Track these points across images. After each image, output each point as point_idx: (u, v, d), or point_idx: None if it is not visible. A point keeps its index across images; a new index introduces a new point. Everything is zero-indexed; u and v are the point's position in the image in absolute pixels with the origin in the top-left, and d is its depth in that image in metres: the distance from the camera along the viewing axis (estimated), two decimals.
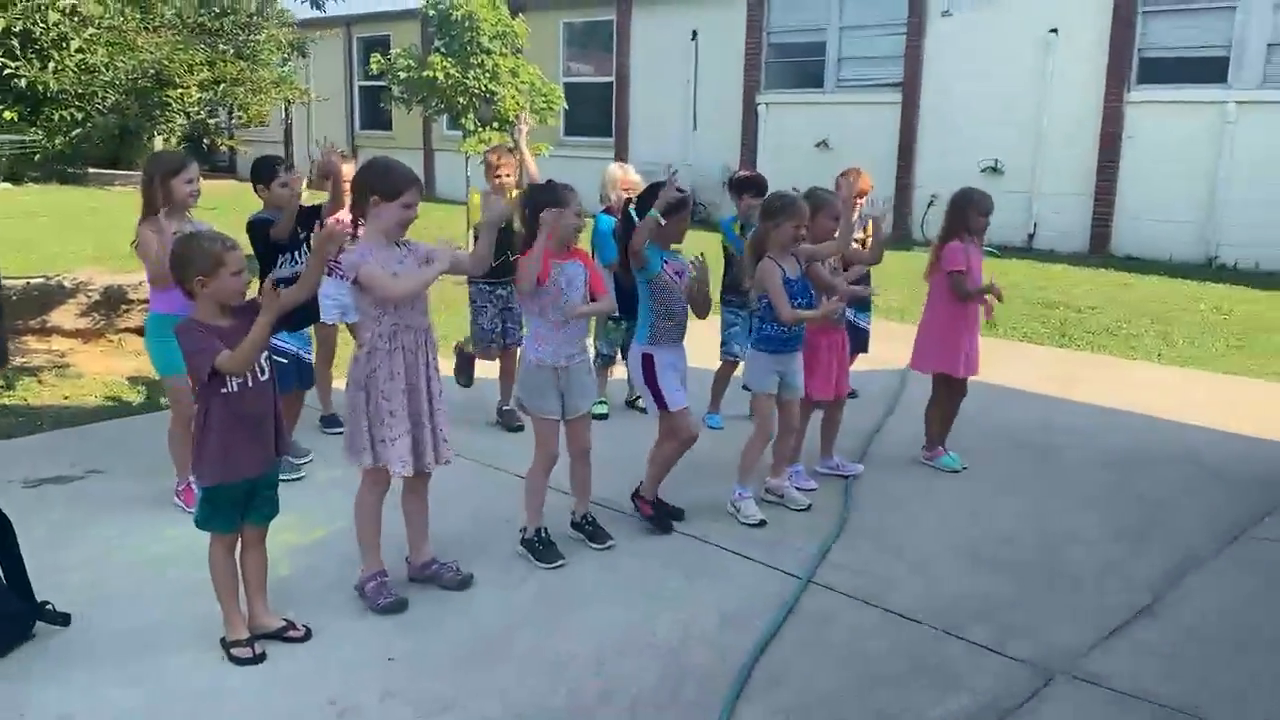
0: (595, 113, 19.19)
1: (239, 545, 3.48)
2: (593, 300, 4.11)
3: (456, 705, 3.17)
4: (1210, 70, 12.96)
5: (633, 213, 4.61)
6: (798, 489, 4.94)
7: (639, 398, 5.18)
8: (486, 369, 6.14)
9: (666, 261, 4.34)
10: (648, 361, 4.38)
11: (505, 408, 5.91)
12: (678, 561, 4.23)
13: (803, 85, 16.72)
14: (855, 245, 5.36)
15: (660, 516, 4.52)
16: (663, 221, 4.20)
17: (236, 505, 3.42)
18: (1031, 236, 14.37)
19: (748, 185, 5.84)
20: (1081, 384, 7.16)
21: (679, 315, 4.40)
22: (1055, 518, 4.78)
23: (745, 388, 4.79)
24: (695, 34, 17.64)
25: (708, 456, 5.34)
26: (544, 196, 4.01)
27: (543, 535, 4.17)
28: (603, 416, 5.98)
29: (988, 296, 5.25)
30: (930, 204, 14.50)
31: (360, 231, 3.74)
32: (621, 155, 18.22)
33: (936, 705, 3.22)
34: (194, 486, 4.56)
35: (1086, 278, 11.86)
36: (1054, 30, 13.93)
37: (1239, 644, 3.65)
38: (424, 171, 21.21)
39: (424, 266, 3.62)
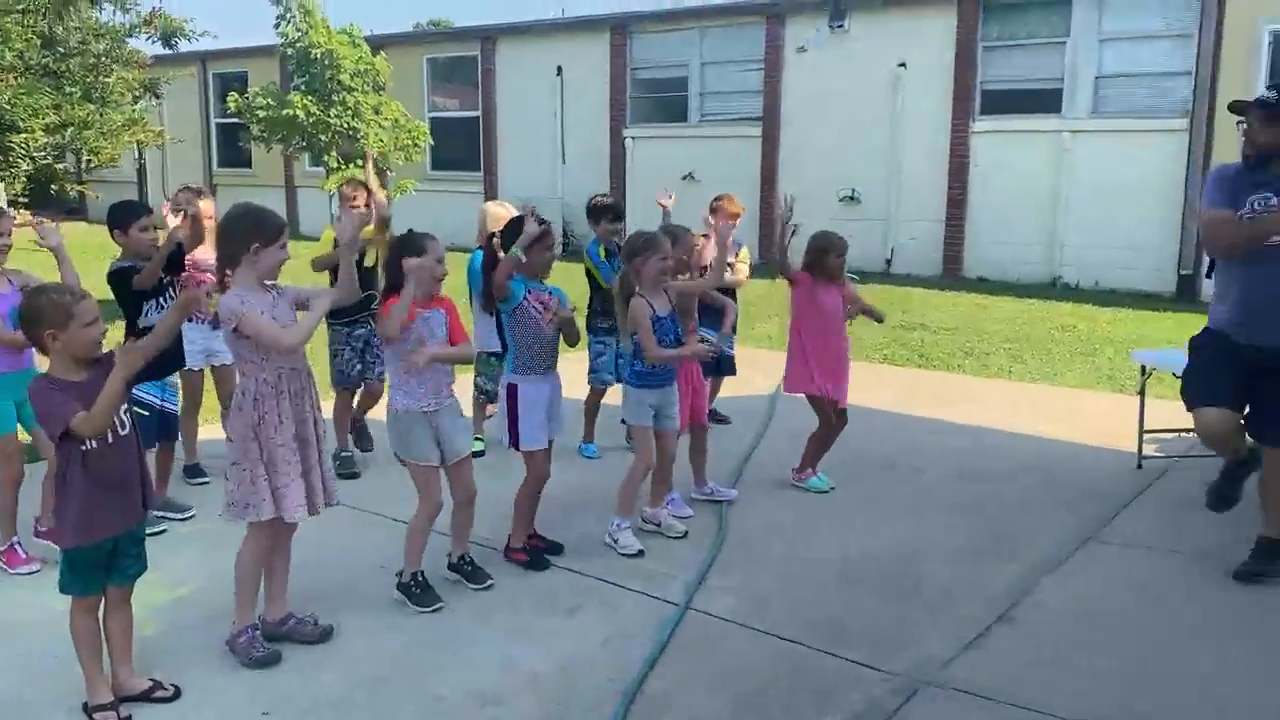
0: (463, 147, 19.15)
1: (102, 606, 3.35)
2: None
3: None
4: (1046, 101, 13.80)
5: (497, 247, 4.67)
6: (675, 517, 5.03)
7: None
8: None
9: (530, 292, 4.39)
10: (512, 392, 4.42)
11: (343, 453, 5.82)
12: (556, 597, 4.24)
13: (668, 119, 17.08)
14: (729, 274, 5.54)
15: (535, 558, 4.53)
16: (524, 257, 4.26)
17: (98, 566, 3.28)
18: (889, 262, 14.98)
19: (605, 210, 5.96)
20: (941, 403, 7.49)
21: (545, 345, 4.44)
22: (917, 533, 4.99)
23: (622, 421, 4.86)
24: (560, 69, 17.83)
25: (585, 487, 5.40)
26: (406, 247, 4.01)
27: (419, 579, 4.13)
28: (479, 454, 5.96)
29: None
30: (793, 233, 14.92)
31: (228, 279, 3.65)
32: (490, 189, 18.22)
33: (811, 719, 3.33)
34: (16, 549, 4.39)
35: (942, 300, 12.41)
36: (902, 65, 14.62)
37: (1089, 644, 3.88)
38: (287, 209, 20.74)
39: (301, 311, 3.59)
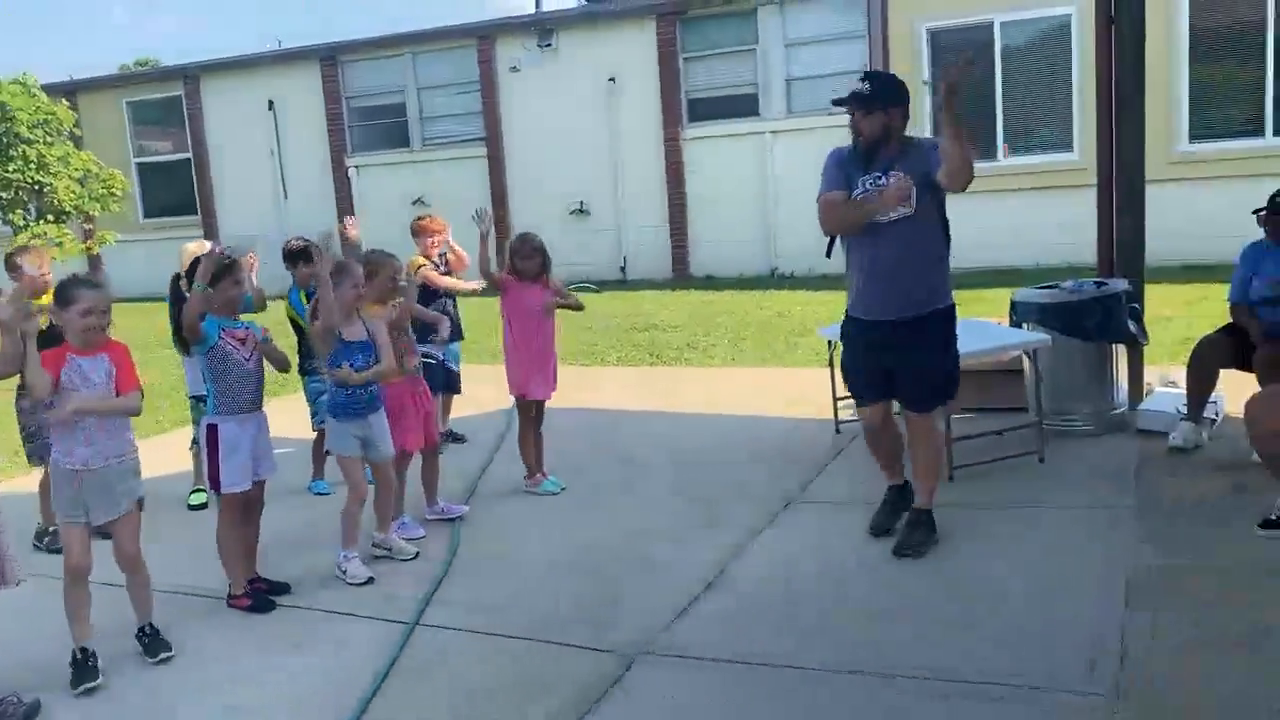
0: (177, 191, 18.24)
1: None
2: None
3: None
4: (745, 105, 14.76)
5: (181, 288, 4.58)
6: (406, 539, 5.08)
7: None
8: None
9: (225, 330, 4.33)
10: (212, 433, 4.35)
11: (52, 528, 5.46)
12: (284, 636, 4.20)
13: (391, 145, 16.96)
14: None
15: (259, 601, 4.46)
16: (210, 290, 4.21)
17: None
18: (624, 269, 15.53)
19: (300, 254, 5.91)
20: (667, 396, 7.91)
21: (248, 382, 4.38)
22: (639, 518, 5.29)
23: (327, 451, 4.86)
24: (272, 103, 17.31)
25: (315, 524, 5.35)
26: (56, 297, 3.86)
27: (77, 656, 3.83)
28: (201, 506, 5.80)
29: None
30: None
31: None
32: (209, 230, 17.44)
33: (534, 711, 3.49)
34: None
35: (671, 300, 13.03)
36: (612, 79, 15.21)
37: (788, 595, 4.27)
38: None
39: None
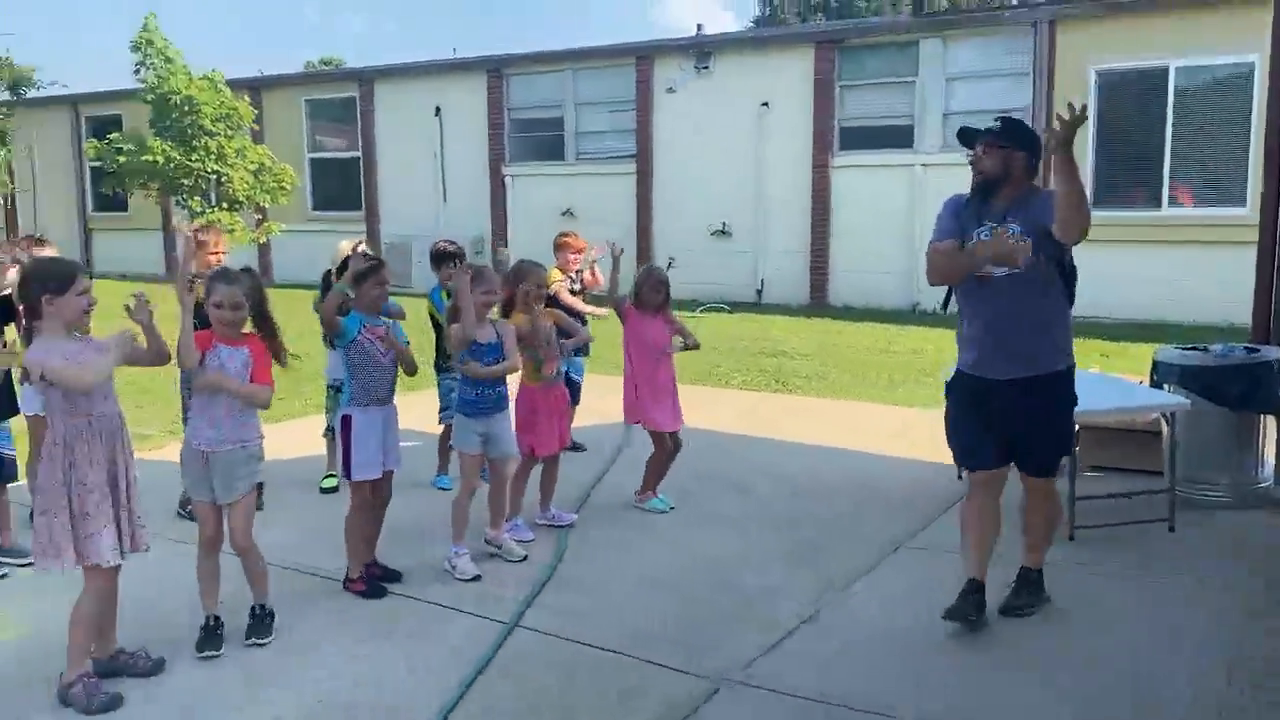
0: (344, 187, 19.19)
1: None
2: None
3: None
4: (899, 137, 14.57)
5: (331, 282, 4.88)
6: (517, 541, 5.25)
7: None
8: None
9: (365, 326, 4.59)
10: (346, 423, 4.61)
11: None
12: (388, 623, 4.40)
13: (546, 157, 17.44)
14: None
15: (372, 587, 4.69)
16: (350, 294, 4.47)
17: None
18: (760, 293, 15.52)
19: (448, 257, 6.18)
20: (787, 424, 7.89)
21: (381, 377, 4.63)
22: (745, 546, 5.31)
23: (451, 447, 5.07)
24: (439, 110, 18.04)
25: (434, 517, 5.56)
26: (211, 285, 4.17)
27: (209, 623, 4.13)
28: (332, 490, 6.11)
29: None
30: (669, 266, 15.39)
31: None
32: (372, 228, 18.28)
33: None
34: None
35: (804, 328, 12.94)
36: (765, 104, 15.26)
37: (884, 637, 4.23)
38: (164, 251, 20.39)
39: (102, 354, 3.70)
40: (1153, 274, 12.70)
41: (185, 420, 5.71)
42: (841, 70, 14.95)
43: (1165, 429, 5.75)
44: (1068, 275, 4.18)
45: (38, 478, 3.70)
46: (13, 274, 4.78)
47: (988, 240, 4.09)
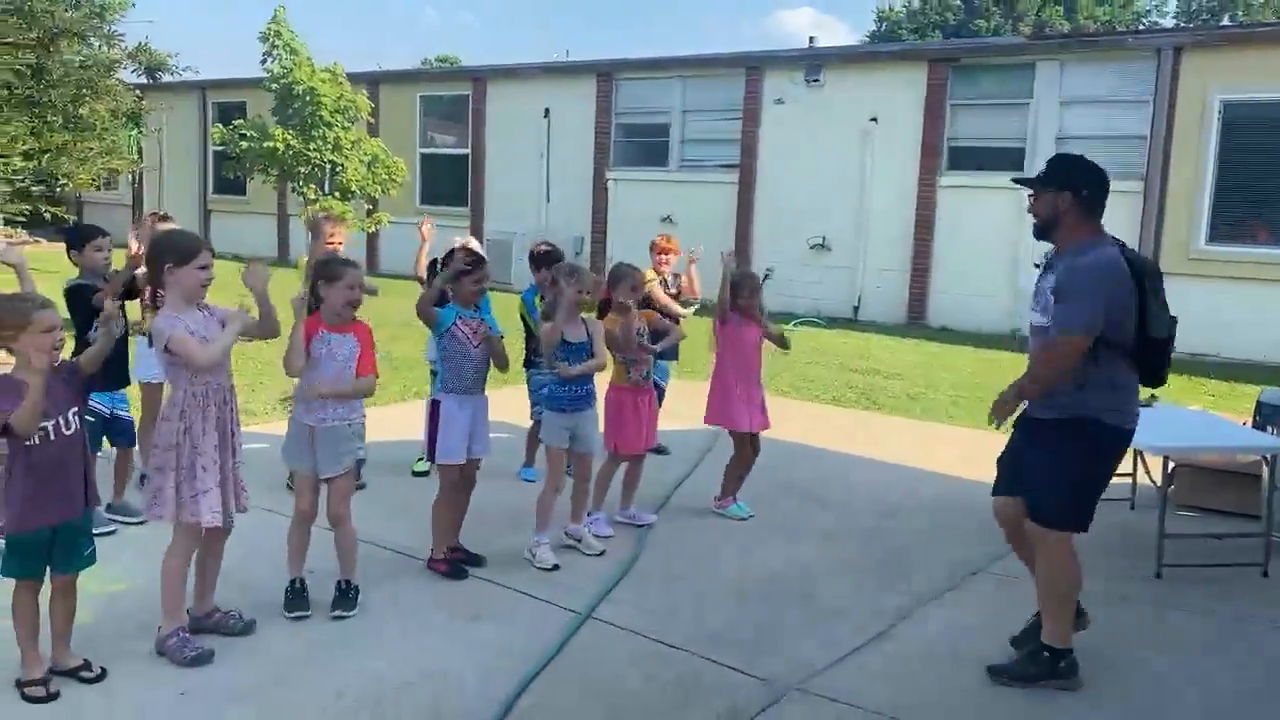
0: (451, 183, 19.66)
1: (49, 590, 3.65)
2: (359, 376, 4.33)
3: None
4: (1009, 159, 14.30)
5: (439, 271, 5.09)
6: (595, 536, 5.37)
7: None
8: None
9: (460, 319, 4.77)
10: (434, 407, 4.81)
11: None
12: (468, 603, 4.56)
13: (649, 163, 17.59)
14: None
15: (454, 568, 4.85)
16: (449, 291, 4.66)
17: (36, 552, 3.58)
18: (856, 309, 15.40)
19: (545, 259, 6.31)
20: (873, 442, 7.85)
21: (471, 367, 4.80)
22: (821, 559, 5.33)
23: (539, 440, 5.21)
24: (548, 111, 18.35)
25: (518, 507, 5.71)
26: (321, 272, 4.37)
27: (296, 585, 4.38)
28: (424, 473, 6.31)
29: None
30: (766, 277, 15.42)
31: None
32: (476, 224, 18.68)
33: (677, 718, 3.64)
34: None
35: (900, 347, 12.81)
36: (874, 119, 15.14)
37: (952, 660, 4.21)
38: (278, 235, 21.18)
39: (221, 330, 3.93)
40: (1274, 315, 12.21)
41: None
42: (953, 89, 14.75)
43: (1265, 472, 5.57)
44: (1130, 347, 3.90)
45: (154, 438, 3.94)
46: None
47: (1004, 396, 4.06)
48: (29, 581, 3.62)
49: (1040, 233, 4.07)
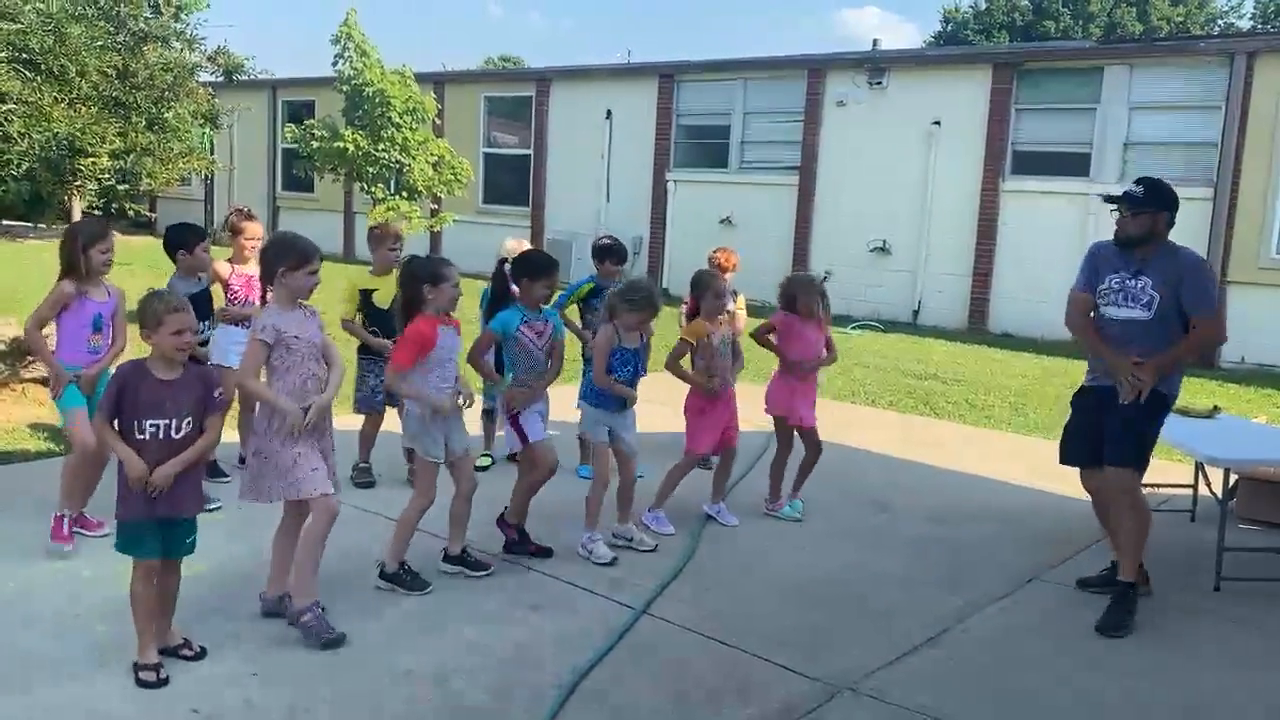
0: (514, 182, 19.89)
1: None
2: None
3: (305, 711, 3.58)
4: (1075, 164, 14.13)
5: (507, 272, 5.22)
6: (658, 533, 5.47)
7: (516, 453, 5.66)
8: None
9: (525, 321, 4.90)
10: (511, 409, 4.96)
11: (362, 464, 6.23)
12: (527, 594, 4.68)
13: (709, 165, 17.64)
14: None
15: (522, 539, 5.07)
16: (513, 289, 4.85)
17: (146, 537, 3.69)
18: (916, 313, 15.30)
19: (609, 252, 6.41)
20: (930, 448, 7.84)
21: (537, 366, 4.96)
22: (876, 562, 5.36)
23: (578, 435, 5.40)
24: (610, 113, 18.49)
25: (575, 504, 5.82)
26: (423, 273, 4.52)
27: (407, 568, 4.60)
28: (484, 468, 6.44)
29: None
30: (825, 278, 15.37)
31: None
32: (537, 223, 18.89)
33: (730, 715, 3.72)
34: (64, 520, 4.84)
35: (961, 353, 12.72)
36: (937, 122, 15.04)
37: (1003, 666, 4.23)
38: (344, 234, 21.60)
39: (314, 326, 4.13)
40: None
41: (358, 390, 6.18)
42: (1019, 92, 14.59)
43: None
44: (1187, 323, 4.66)
45: (255, 422, 4.17)
46: (254, 229, 5.41)
47: (1117, 359, 4.64)
48: (145, 565, 3.71)
49: (1125, 244, 4.67)
